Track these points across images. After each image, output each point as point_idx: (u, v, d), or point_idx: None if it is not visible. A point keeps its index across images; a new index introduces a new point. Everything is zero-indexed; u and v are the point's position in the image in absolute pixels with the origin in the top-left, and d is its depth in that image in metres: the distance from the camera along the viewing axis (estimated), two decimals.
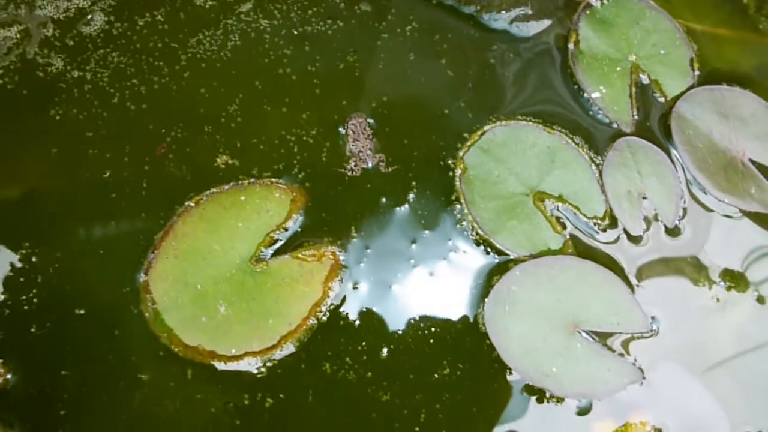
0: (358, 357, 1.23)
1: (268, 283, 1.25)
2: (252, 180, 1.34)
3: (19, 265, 1.25)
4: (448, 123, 1.43)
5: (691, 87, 1.51)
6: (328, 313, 1.26)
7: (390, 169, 1.38)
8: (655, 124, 1.48)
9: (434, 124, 1.43)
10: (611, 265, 1.33)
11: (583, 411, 1.23)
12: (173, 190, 1.32)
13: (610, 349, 1.27)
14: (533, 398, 1.23)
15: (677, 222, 1.39)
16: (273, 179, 1.34)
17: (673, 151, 1.45)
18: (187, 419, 1.18)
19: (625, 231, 1.36)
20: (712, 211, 1.41)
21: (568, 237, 1.35)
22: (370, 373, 1.23)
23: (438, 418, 1.21)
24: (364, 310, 1.27)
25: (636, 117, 1.48)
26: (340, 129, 1.41)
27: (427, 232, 1.34)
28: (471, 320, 1.28)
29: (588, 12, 1.55)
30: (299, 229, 1.31)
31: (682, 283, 1.35)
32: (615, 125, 1.46)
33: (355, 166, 1.37)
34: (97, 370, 1.20)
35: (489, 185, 1.37)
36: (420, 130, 1.42)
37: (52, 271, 1.25)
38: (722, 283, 1.36)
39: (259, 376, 1.21)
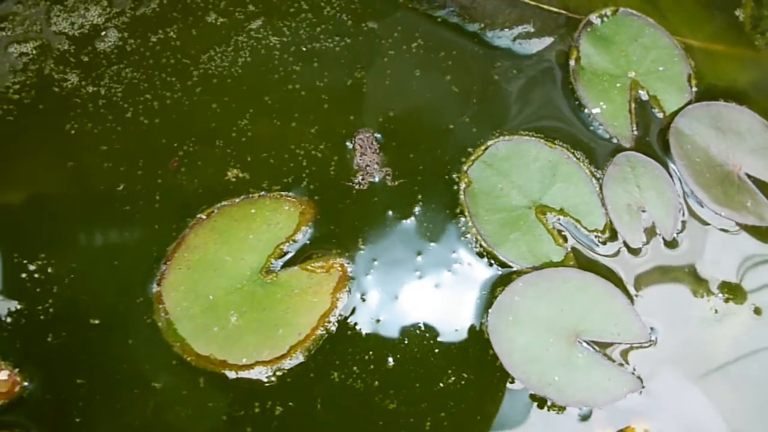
0: (365, 366, 1.26)
1: (277, 293, 1.28)
2: (262, 193, 1.37)
3: (35, 275, 1.27)
4: (452, 138, 1.46)
5: (689, 103, 1.54)
6: (336, 324, 1.28)
7: (396, 183, 1.41)
8: (654, 139, 1.51)
9: (439, 139, 1.46)
10: (611, 276, 1.36)
11: (584, 419, 1.26)
12: (185, 202, 1.35)
13: (610, 358, 1.29)
14: (535, 406, 1.26)
15: (676, 234, 1.42)
16: (282, 192, 1.37)
17: (672, 166, 1.48)
18: (199, 426, 1.21)
19: (625, 243, 1.39)
20: (709, 224, 1.44)
21: (569, 249, 1.38)
22: (377, 382, 1.25)
23: (443, 426, 1.24)
24: (372, 320, 1.30)
25: (635, 132, 1.51)
26: (348, 143, 1.44)
27: (432, 244, 1.37)
28: (475, 330, 1.31)
29: (589, 29, 1.59)
30: (308, 242, 1.34)
31: (680, 295, 1.38)
32: (615, 140, 1.49)
33: (362, 179, 1.41)
34: (112, 379, 1.22)
35: (492, 198, 1.40)
36: (425, 144, 1.45)
37: (67, 281, 1.28)
38: (720, 295, 1.38)
39: (269, 384, 1.23)
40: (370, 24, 1.57)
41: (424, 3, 1.59)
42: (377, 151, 1.42)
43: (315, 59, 1.52)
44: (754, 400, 1.31)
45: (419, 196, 1.40)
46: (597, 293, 1.32)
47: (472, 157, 1.44)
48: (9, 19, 1.50)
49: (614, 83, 1.54)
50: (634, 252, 1.39)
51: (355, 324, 1.29)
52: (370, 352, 1.27)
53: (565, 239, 1.39)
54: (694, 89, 1.56)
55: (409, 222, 1.38)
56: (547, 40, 1.59)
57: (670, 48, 1.59)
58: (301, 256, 1.32)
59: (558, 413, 1.26)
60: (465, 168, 1.42)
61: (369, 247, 1.35)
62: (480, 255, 1.36)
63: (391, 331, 1.29)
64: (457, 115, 1.49)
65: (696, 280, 1.39)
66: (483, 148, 1.45)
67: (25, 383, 1.20)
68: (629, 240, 1.39)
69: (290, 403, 1.23)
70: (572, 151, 1.46)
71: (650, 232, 1.42)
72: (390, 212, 1.38)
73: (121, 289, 1.28)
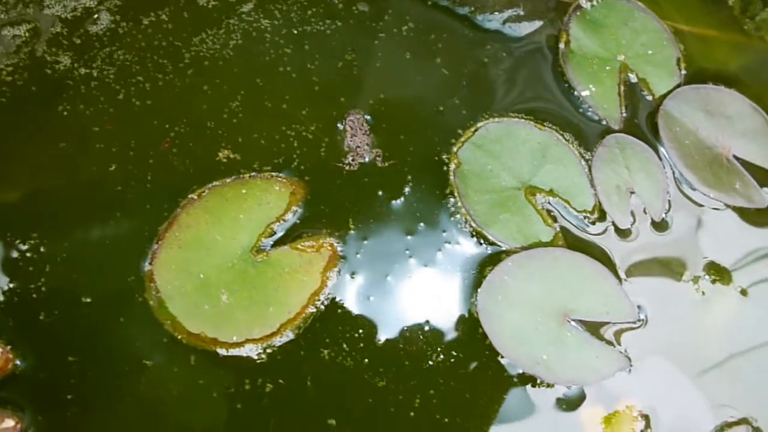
0: (355, 344, 1.27)
1: (268, 272, 1.29)
2: (253, 173, 1.37)
3: (28, 254, 1.28)
4: (443, 119, 1.47)
5: (678, 86, 1.55)
6: (326, 302, 1.29)
7: (386, 164, 1.42)
8: (643, 121, 1.53)
9: (430, 121, 1.47)
10: (600, 256, 1.37)
11: (573, 397, 1.27)
12: (177, 183, 1.35)
13: (599, 337, 1.31)
14: (524, 385, 1.27)
15: (664, 215, 1.43)
16: (273, 173, 1.38)
17: (661, 148, 1.49)
18: (190, 403, 1.22)
19: (614, 224, 1.40)
20: (698, 205, 1.45)
21: (558, 229, 1.39)
22: (366, 360, 1.26)
23: (432, 403, 1.25)
24: (361, 299, 1.31)
25: (624, 114, 1.52)
26: (339, 125, 1.45)
27: (422, 224, 1.38)
28: (464, 309, 1.32)
29: (578, 13, 1.60)
30: (298, 221, 1.35)
31: (668, 275, 1.39)
32: (604, 122, 1.51)
33: (352, 160, 1.41)
34: (104, 356, 1.23)
35: (482, 179, 1.41)
36: (416, 126, 1.46)
37: (59, 260, 1.28)
38: (707, 276, 1.40)
39: (259, 362, 1.24)
40: (360, 7, 1.57)
41: None
42: (368, 132, 1.43)
43: (306, 42, 1.53)
44: (740, 377, 1.33)
45: (409, 177, 1.41)
46: (586, 273, 1.33)
47: (462, 139, 1.45)
48: (2, 2, 1.50)
49: (603, 66, 1.55)
50: (623, 233, 1.40)
51: (345, 303, 1.30)
52: (360, 330, 1.28)
53: (555, 219, 1.40)
54: (683, 72, 1.57)
55: (399, 202, 1.39)
56: (537, 24, 1.60)
57: (660, 32, 1.60)
58: (292, 236, 1.33)
59: (547, 391, 1.27)
60: (455, 149, 1.43)
61: (359, 226, 1.36)
62: (470, 235, 1.37)
63: (381, 309, 1.30)
64: (447, 97, 1.50)
65: (684, 261, 1.40)
66: (473, 129, 1.46)
67: (18, 361, 1.21)
68: (618, 220, 1.40)
69: (280, 381, 1.24)
70: (562, 132, 1.47)
71: (639, 213, 1.42)
72: (380, 193, 1.39)
73: (113, 268, 1.28)
